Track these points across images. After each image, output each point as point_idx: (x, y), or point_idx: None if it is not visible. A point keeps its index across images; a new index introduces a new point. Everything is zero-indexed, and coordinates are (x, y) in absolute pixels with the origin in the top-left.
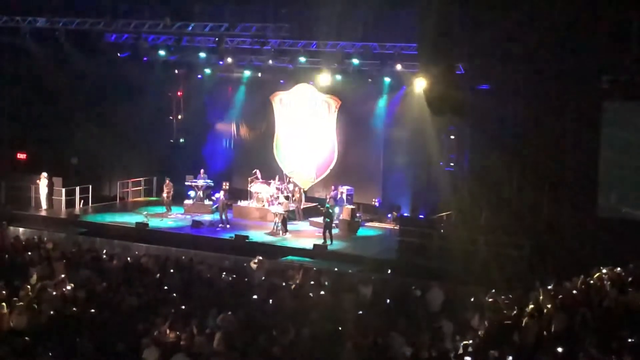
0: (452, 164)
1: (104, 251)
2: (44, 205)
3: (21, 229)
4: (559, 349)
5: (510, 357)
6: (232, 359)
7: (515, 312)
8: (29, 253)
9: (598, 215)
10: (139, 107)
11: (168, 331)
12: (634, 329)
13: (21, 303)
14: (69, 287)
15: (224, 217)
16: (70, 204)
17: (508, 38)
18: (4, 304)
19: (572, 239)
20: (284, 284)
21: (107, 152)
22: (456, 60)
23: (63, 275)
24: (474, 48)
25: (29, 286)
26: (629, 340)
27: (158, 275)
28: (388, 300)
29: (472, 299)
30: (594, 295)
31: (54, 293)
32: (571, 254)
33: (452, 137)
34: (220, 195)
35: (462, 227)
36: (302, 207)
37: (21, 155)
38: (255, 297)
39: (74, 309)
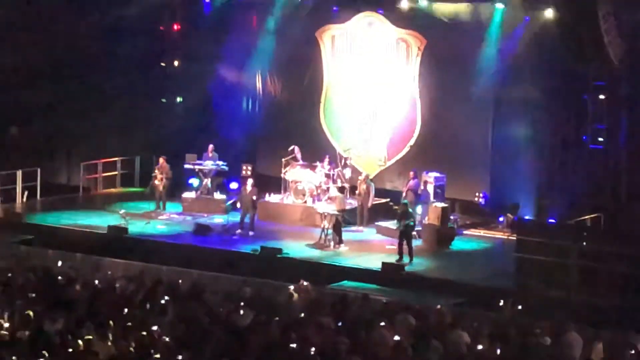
0: (600, 139)
1: (59, 269)
2: None
3: None
4: None
5: None
6: None
7: None
8: None
9: None
10: (115, 51)
11: None
12: None
13: None
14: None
15: (245, 219)
16: (8, 196)
17: None
18: None
19: None
20: (334, 324)
21: (65, 118)
22: None
23: None
24: None
25: None
26: None
27: (142, 308)
28: (498, 351)
29: (632, 351)
30: None
31: None
32: None
33: (602, 96)
34: (244, 185)
35: (619, 237)
36: (369, 204)
37: None
38: (293, 345)
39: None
